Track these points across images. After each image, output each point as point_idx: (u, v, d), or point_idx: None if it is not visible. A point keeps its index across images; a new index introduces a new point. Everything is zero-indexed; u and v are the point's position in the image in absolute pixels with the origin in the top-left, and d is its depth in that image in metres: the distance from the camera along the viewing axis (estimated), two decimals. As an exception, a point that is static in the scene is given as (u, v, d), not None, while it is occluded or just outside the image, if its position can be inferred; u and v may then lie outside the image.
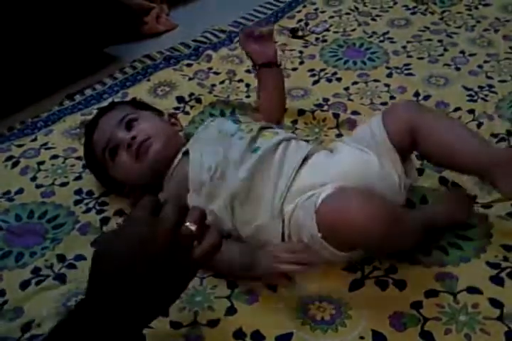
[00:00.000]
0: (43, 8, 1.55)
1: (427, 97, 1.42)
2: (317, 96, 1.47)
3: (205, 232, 0.71)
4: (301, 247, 0.95)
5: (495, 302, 0.93)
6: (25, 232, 1.16)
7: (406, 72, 1.53)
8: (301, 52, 1.66)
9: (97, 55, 1.79)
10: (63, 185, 1.27)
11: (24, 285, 1.05)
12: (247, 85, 1.54)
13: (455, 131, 1.03)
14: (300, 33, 1.75)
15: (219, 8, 2.04)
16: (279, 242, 0.99)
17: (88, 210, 1.20)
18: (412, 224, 0.98)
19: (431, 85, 1.46)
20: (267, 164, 1.03)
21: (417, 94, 1.43)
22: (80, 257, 1.09)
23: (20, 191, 1.26)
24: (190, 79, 1.57)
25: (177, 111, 1.44)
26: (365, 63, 1.58)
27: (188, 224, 0.69)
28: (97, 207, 1.20)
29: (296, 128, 1.36)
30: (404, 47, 1.63)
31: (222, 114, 1.44)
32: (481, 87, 1.43)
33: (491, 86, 1.43)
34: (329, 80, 1.53)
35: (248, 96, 1.49)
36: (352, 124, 1.35)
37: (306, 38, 1.73)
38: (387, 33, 1.71)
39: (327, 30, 1.76)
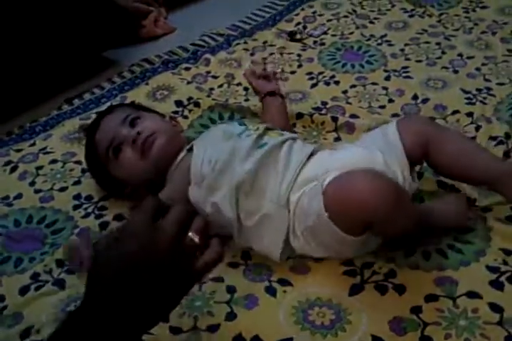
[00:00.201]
0: (40, 13, 1.55)
1: (425, 100, 1.42)
2: (315, 100, 1.47)
3: (208, 243, 0.71)
4: None
5: (495, 307, 0.93)
6: (24, 237, 1.16)
7: (404, 75, 1.53)
8: (299, 55, 1.66)
9: (95, 59, 1.79)
10: (62, 189, 1.27)
11: (23, 290, 1.05)
12: (246, 89, 1.54)
13: (467, 145, 1.10)
14: (298, 36, 1.75)
15: (217, 11, 2.04)
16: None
17: (87, 215, 1.20)
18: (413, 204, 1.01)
19: (429, 88, 1.46)
20: (273, 158, 1.05)
21: (415, 97, 1.43)
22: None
23: (19, 196, 1.26)
24: (188, 82, 1.57)
25: (176, 115, 1.44)
26: (363, 66, 1.58)
27: (190, 234, 0.69)
28: (96, 212, 1.20)
29: (295, 132, 1.36)
30: (402, 50, 1.63)
31: (221, 118, 1.44)
32: (479, 90, 1.43)
33: (489, 89, 1.43)
34: (327, 83, 1.53)
35: (247, 100, 1.50)
36: (350, 127, 1.35)
37: (304, 41, 1.73)
38: (385, 35, 1.71)
39: (325, 33, 1.76)
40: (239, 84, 1.57)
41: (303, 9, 1.91)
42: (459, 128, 1.31)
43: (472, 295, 0.95)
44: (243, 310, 0.97)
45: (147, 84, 1.59)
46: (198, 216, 0.72)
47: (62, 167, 1.33)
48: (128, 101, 1.52)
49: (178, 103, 1.49)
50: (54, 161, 1.35)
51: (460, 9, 1.80)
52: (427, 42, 1.65)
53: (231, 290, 1.01)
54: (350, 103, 1.45)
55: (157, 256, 0.66)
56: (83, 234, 1.12)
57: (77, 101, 1.59)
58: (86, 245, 1.05)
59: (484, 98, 1.40)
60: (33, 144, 1.41)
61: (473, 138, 1.27)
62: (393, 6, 1.86)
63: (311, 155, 1.07)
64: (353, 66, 1.59)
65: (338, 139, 1.34)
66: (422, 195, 1.14)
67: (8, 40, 1.51)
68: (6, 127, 1.53)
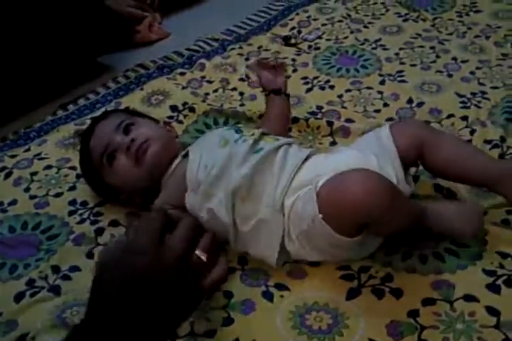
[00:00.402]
0: (35, 19, 1.55)
1: (420, 104, 1.42)
2: (310, 104, 1.47)
3: (215, 261, 0.69)
4: None
5: (492, 310, 0.93)
6: (19, 244, 1.15)
7: (399, 79, 1.53)
8: (293, 60, 1.66)
9: (90, 64, 1.79)
10: (57, 195, 1.26)
11: (18, 297, 1.04)
12: (241, 94, 1.54)
13: (463, 146, 1.11)
14: (293, 41, 1.75)
15: (212, 16, 2.04)
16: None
17: (82, 221, 1.19)
18: (410, 202, 1.00)
19: (424, 92, 1.47)
20: (269, 163, 1.05)
21: (410, 101, 1.44)
22: (74, 268, 1.09)
23: (13, 202, 1.25)
24: (183, 88, 1.57)
25: (171, 120, 1.44)
26: (358, 70, 1.58)
27: (198, 252, 0.67)
28: (92, 218, 1.20)
29: (290, 136, 1.36)
30: (396, 54, 1.64)
31: (216, 123, 1.44)
32: (473, 94, 1.43)
33: (483, 92, 1.44)
34: (322, 88, 1.53)
35: (242, 105, 1.50)
36: (346, 132, 1.35)
37: (299, 46, 1.73)
38: (380, 40, 1.71)
39: (320, 37, 1.76)
40: (234, 89, 1.57)
41: (297, 14, 1.91)
42: (454, 132, 1.31)
43: (469, 298, 0.95)
44: (240, 315, 0.97)
45: (142, 89, 1.59)
46: (206, 232, 0.71)
47: (57, 173, 1.32)
48: (123, 106, 1.52)
49: (173, 108, 1.49)
50: (49, 167, 1.34)
51: (454, 13, 1.81)
52: (422, 47, 1.66)
53: (228, 295, 1.00)
54: (345, 107, 1.45)
55: (164, 273, 0.64)
56: None
57: (71, 107, 1.58)
58: None
59: (479, 102, 1.41)
60: (28, 150, 1.41)
61: (469, 141, 1.27)
62: (387, 10, 1.87)
63: (307, 159, 1.07)
64: (347, 70, 1.59)
65: (333, 143, 1.34)
66: (418, 198, 1.14)
67: (3, 46, 1.50)
68: (0, 133, 1.52)
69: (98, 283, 0.65)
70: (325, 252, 0.99)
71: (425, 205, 1.02)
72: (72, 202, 1.24)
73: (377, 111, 1.42)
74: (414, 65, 1.58)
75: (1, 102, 1.55)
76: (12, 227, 1.19)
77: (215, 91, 1.57)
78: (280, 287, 1.01)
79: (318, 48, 1.71)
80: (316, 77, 1.58)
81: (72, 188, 1.28)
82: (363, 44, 1.70)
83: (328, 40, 1.75)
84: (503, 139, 1.27)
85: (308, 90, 1.53)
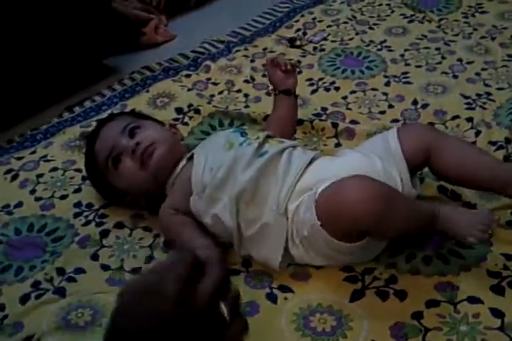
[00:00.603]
0: (41, 21, 1.55)
1: (425, 106, 1.42)
2: (315, 106, 1.47)
3: (237, 317, 0.65)
4: None
5: (496, 312, 0.93)
6: (24, 246, 1.16)
7: (404, 80, 1.53)
8: (299, 61, 1.66)
9: (96, 66, 1.80)
10: (63, 197, 1.27)
11: (24, 299, 1.05)
12: (246, 95, 1.54)
13: (470, 150, 1.09)
14: (298, 43, 1.75)
15: (217, 18, 2.05)
16: None
17: (88, 223, 1.20)
18: (412, 207, 0.98)
19: (429, 93, 1.47)
20: (274, 166, 1.05)
21: (415, 103, 1.44)
22: (79, 270, 1.09)
23: (19, 204, 1.26)
24: (189, 90, 1.57)
25: (176, 122, 1.44)
26: (363, 72, 1.58)
27: (222, 306, 0.63)
28: (97, 220, 1.20)
29: (295, 138, 1.36)
30: (402, 55, 1.63)
31: (221, 125, 1.44)
32: (478, 95, 1.43)
33: (488, 94, 1.43)
34: (327, 89, 1.53)
35: (247, 107, 1.50)
36: (350, 133, 1.35)
37: (304, 48, 1.73)
38: (385, 41, 1.71)
39: (325, 39, 1.76)
40: (239, 90, 1.57)
41: (303, 15, 1.91)
42: (459, 134, 1.31)
43: (473, 300, 0.95)
44: (244, 317, 0.97)
45: (148, 91, 1.59)
46: (233, 287, 0.67)
47: (63, 175, 1.33)
48: (128, 108, 1.52)
49: (179, 110, 1.50)
50: (54, 169, 1.35)
51: (459, 14, 1.80)
52: (427, 48, 1.65)
53: (232, 297, 1.00)
54: (350, 109, 1.45)
55: (186, 322, 0.61)
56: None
57: (77, 109, 1.59)
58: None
59: (484, 103, 1.40)
60: (34, 152, 1.41)
61: (473, 143, 1.27)
62: (393, 11, 1.87)
63: (311, 162, 1.07)
64: (353, 72, 1.59)
65: (338, 145, 1.34)
66: (423, 200, 1.14)
67: (9, 47, 1.51)
68: (6, 135, 1.53)
69: (117, 320, 0.62)
70: (328, 257, 1.00)
71: (438, 208, 0.99)
72: (78, 204, 1.24)
73: (382, 112, 1.42)
74: (419, 67, 1.58)
75: (7, 105, 1.56)
76: (18, 229, 1.19)
77: (221, 93, 1.57)
78: (284, 289, 1.01)
79: (323, 50, 1.71)
80: (321, 79, 1.58)
81: (78, 190, 1.28)
82: (368, 45, 1.70)
83: (333, 41, 1.75)
84: (508, 141, 1.27)
85: (313, 92, 1.53)
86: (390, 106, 1.44)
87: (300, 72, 1.60)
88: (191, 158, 1.12)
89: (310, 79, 1.58)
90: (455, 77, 1.52)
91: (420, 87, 1.49)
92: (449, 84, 1.49)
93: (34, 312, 1.02)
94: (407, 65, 1.59)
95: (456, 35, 1.70)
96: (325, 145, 1.35)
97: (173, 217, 1.09)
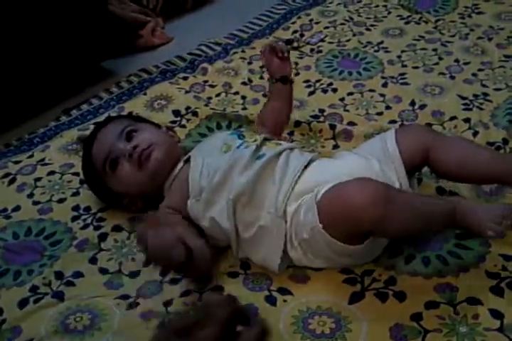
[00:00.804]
0: (38, 24, 1.55)
1: (422, 106, 1.42)
2: (313, 108, 1.47)
3: None
4: None
5: (495, 313, 0.92)
6: (22, 250, 1.15)
7: (401, 81, 1.53)
8: (296, 63, 1.65)
9: (93, 69, 1.79)
10: (60, 201, 1.27)
11: (22, 303, 1.04)
12: (243, 97, 1.54)
13: (469, 145, 1.09)
14: (295, 44, 1.75)
15: (214, 20, 2.05)
16: None
17: (86, 226, 1.20)
18: (421, 206, 0.96)
19: (426, 94, 1.47)
20: (271, 169, 1.05)
21: (412, 104, 1.44)
22: (78, 274, 1.09)
23: (17, 208, 1.26)
24: (186, 92, 1.57)
25: (173, 125, 1.44)
26: (360, 73, 1.58)
27: None
28: (95, 223, 1.20)
29: (293, 140, 1.36)
30: (399, 56, 1.64)
31: (219, 127, 1.44)
32: (476, 96, 1.43)
33: (486, 94, 1.43)
34: (325, 91, 1.53)
35: (244, 109, 1.50)
36: (348, 135, 1.35)
37: (302, 49, 1.73)
38: (382, 42, 1.71)
39: (322, 40, 1.76)
40: (236, 93, 1.57)
41: (300, 17, 1.91)
42: (457, 134, 1.31)
43: (472, 301, 0.95)
44: (243, 320, 0.97)
45: (145, 94, 1.59)
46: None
47: (61, 178, 1.33)
48: (126, 111, 1.52)
49: (176, 112, 1.49)
50: (52, 173, 1.35)
51: (456, 15, 1.80)
52: (424, 49, 1.65)
53: (231, 299, 1.00)
54: (347, 110, 1.45)
55: None
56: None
57: (75, 112, 1.59)
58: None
59: (481, 104, 1.40)
60: (31, 156, 1.41)
61: (471, 143, 1.27)
62: (389, 12, 1.87)
63: (309, 164, 1.07)
64: (350, 73, 1.59)
65: (336, 147, 1.34)
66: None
67: (6, 50, 1.51)
68: (4, 139, 1.53)
69: None
70: (327, 259, 0.99)
71: (454, 204, 0.98)
72: (76, 208, 1.24)
73: (380, 113, 1.42)
74: (416, 68, 1.58)
75: (4, 108, 1.56)
76: (16, 233, 1.19)
77: (218, 95, 1.57)
78: (283, 291, 1.01)
79: (320, 51, 1.71)
80: (318, 80, 1.58)
81: (76, 194, 1.28)
82: (365, 47, 1.70)
83: (330, 43, 1.75)
84: (505, 141, 1.27)
85: (311, 93, 1.53)
86: (388, 108, 1.44)
87: (297, 74, 1.60)
88: (188, 160, 1.12)
89: (307, 81, 1.58)
90: (452, 77, 1.52)
91: (417, 87, 1.49)
92: (446, 84, 1.49)
93: (32, 316, 1.01)
94: (404, 66, 1.59)
95: (453, 35, 1.70)
96: (323, 146, 1.35)
97: (169, 216, 1.09)
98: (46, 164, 1.37)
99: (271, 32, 1.86)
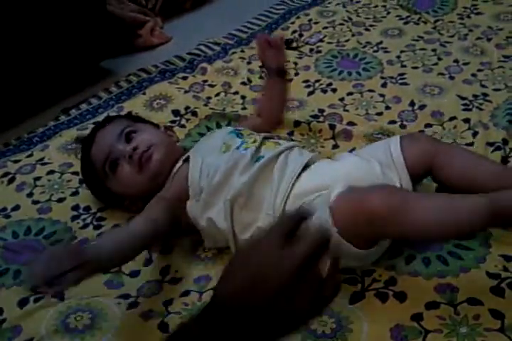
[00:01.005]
0: (37, 23, 1.55)
1: (422, 107, 1.42)
2: (312, 108, 1.47)
3: (332, 280, 0.69)
4: None
5: (496, 314, 0.92)
6: (22, 249, 1.15)
7: (400, 81, 1.53)
8: (295, 63, 1.66)
9: (92, 68, 1.79)
10: (60, 200, 1.26)
11: (22, 302, 1.04)
12: (243, 97, 1.54)
13: (472, 156, 1.08)
14: (294, 44, 1.75)
15: (213, 20, 2.05)
16: None
17: (85, 226, 1.19)
18: (443, 209, 0.92)
19: (426, 95, 1.47)
20: (269, 170, 1.04)
21: (412, 104, 1.44)
22: (77, 274, 1.09)
23: (16, 207, 1.25)
24: (185, 92, 1.57)
25: (173, 125, 1.44)
26: (359, 73, 1.58)
27: (319, 267, 0.67)
28: (95, 223, 1.20)
29: (293, 140, 1.36)
30: (398, 56, 1.64)
31: (219, 127, 1.43)
32: (475, 96, 1.43)
33: (485, 94, 1.43)
34: (324, 91, 1.53)
35: (244, 108, 1.50)
36: (348, 135, 1.35)
37: (301, 49, 1.73)
38: (381, 42, 1.71)
39: (321, 40, 1.76)
40: (236, 92, 1.57)
41: (298, 17, 1.91)
42: (457, 135, 1.31)
43: (473, 301, 0.95)
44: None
45: (144, 93, 1.59)
46: (331, 253, 0.69)
47: (60, 177, 1.33)
48: (125, 111, 1.52)
49: (176, 112, 1.49)
50: (51, 172, 1.34)
51: (455, 16, 1.81)
52: (423, 49, 1.66)
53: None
54: (347, 110, 1.45)
55: (279, 279, 0.64)
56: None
57: (74, 112, 1.58)
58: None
59: (481, 104, 1.40)
60: (31, 155, 1.41)
61: (471, 144, 1.27)
62: (388, 13, 1.87)
63: (309, 165, 1.07)
64: (349, 73, 1.59)
65: (335, 147, 1.34)
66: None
67: (5, 50, 1.51)
68: (3, 138, 1.53)
69: (226, 273, 0.68)
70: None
71: (485, 202, 0.91)
72: (75, 207, 1.24)
73: (379, 114, 1.42)
74: (415, 68, 1.58)
75: (3, 107, 1.56)
76: (15, 233, 1.19)
77: (217, 95, 1.57)
78: (283, 291, 1.01)
79: (319, 51, 1.71)
80: (317, 80, 1.58)
81: (75, 193, 1.28)
82: (364, 47, 1.70)
83: (329, 43, 1.75)
84: (505, 141, 1.27)
85: (310, 93, 1.53)
86: (387, 108, 1.44)
87: (297, 74, 1.61)
88: (187, 159, 1.12)
89: (307, 81, 1.58)
90: (451, 78, 1.52)
91: (417, 88, 1.49)
92: (445, 85, 1.49)
93: (33, 315, 1.01)
94: (404, 66, 1.59)
95: (452, 36, 1.70)
96: (322, 147, 1.35)
97: (154, 199, 1.08)
98: (45, 163, 1.37)
99: (270, 32, 1.86)
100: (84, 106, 1.60)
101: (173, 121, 1.46)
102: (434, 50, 1.64)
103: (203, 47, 1.82)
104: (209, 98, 1.56)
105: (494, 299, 0.95)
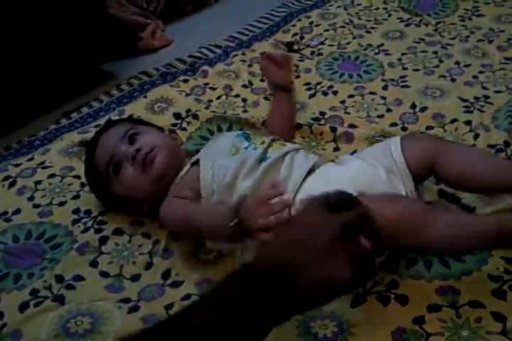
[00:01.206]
0: (38, 26, 1.55)
1: (423, 109, 1.42)
2: (314, 110, 1.47)
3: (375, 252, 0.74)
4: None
5: (498, 316, 0.92)
6: (23, 253, 1.15)
7: (402, 84, 1.53)
8: (296, 66, 1.66)
9: (94, 71, 1.79)
10: (61, 204, 1.26)
11: (23, 307, 1.04)
12: (244, 100, 1.54)
13: (472, 153, 1.09)
14: (295, 47, 1.75)
15: (214, 23, 2.05)
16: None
17: (86, 229, 1.19)
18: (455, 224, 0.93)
19: (427, 97, 1.46)
20: (275, 171, 1.05)
21: (413, 106, 1.43)
22: (78, 277, 1.09)
23: (17, 211, 1.25)
24: (187, 95, 1.57)
25: (174, 128, 1.44)
26: (360, 76, 1.58)
27: (362, 240, 0.71)
28: (96, 226, 1.20)
29: (294, 143, 1.36)
30: (399, 59, 1.63)
31: (220, 130, 1.43)
32: (476, 98, 1.43)
33: (486, 97, 1.43)
34: (325, 94, 1.53)
35: (245, 111, 1.50)
36: (349, 137, 1.35)
37: (302, 52, 1.73)
38: (382, 45, 1.71)
39: (322, 43, 1.76)
40: (237, 95, 1.57)
41: (300, 20, 1.91)
42: (458, 137, 1.31)
43: (475, 304, 0.94)
44: (245, 323, 0.96)
45: (145, 96, 1.59)
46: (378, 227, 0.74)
47: (61, 181, 1.32)
48: (126, 114, 1.52)
49: (177, 115, 1.49)
50: (52, 175, 1.34)
51: (456, 18, 1.80)
52: (424, 51, 1.65)
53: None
54: (348, 113, 1.45)
55: (323, 238, 0.68)
56: None
57: (75, 115, 1.58)
58: None
59: (482, 106, 1.40)
60: (32, 159, 1.41)
61: (472, 146, 1.27)
62: (389, 15, 1.87)
63: (314, 169, 1.07)
64: (350, 76, 1.59)
65: (337, 149, 1.34)
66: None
67: (6, 54, 1.51)
68: (4, 142, 1.53)
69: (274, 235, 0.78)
70: None
71: (500, 222, 0.92)
72: (76, 211, 1.24)
73: (381, 116, 1.42)
74: (417, 70, 1.58)
75: (4, 111, 1.56)
76: (16, 236, 1.19)
77: (219, 98, 1.57)
78: (285, 294, 1.01)
79: (320, 54, 1.71)
80: (319, 83, 1.58)
81: (76, 197, 1.27)
82: (365, 49, 1.70)
83: (330, 45, 1.75)
84: (507, 144, 1.26)
85: (311, 96, 1.53)
86: (389, 110, 1.44)
87: (298, 77, 1.60)
88: (196, 163, 1.12)
89: (308, 84, 1.58)
90: (453, 80, 1.52)
91: (418, 90, 1.49)
92: (446, 87, 1.49)
93: (33, 320, 1.01)
94: (405, 68, 1.59)
95: (453, 38, 1.70)
96: (323, 149, 1.34)
97: (175, 199, 1.09)
98: (46, 167, 1.37)
99: (271, 34, 1.86)
100: (85, 110, 1.60)
101: (174, 124, 1.46)
102: (435, 52, 1.64)
103: (204, 50, 1.82)
104: (210, 101, 1.56)
105: (496, 302, 0.95)
